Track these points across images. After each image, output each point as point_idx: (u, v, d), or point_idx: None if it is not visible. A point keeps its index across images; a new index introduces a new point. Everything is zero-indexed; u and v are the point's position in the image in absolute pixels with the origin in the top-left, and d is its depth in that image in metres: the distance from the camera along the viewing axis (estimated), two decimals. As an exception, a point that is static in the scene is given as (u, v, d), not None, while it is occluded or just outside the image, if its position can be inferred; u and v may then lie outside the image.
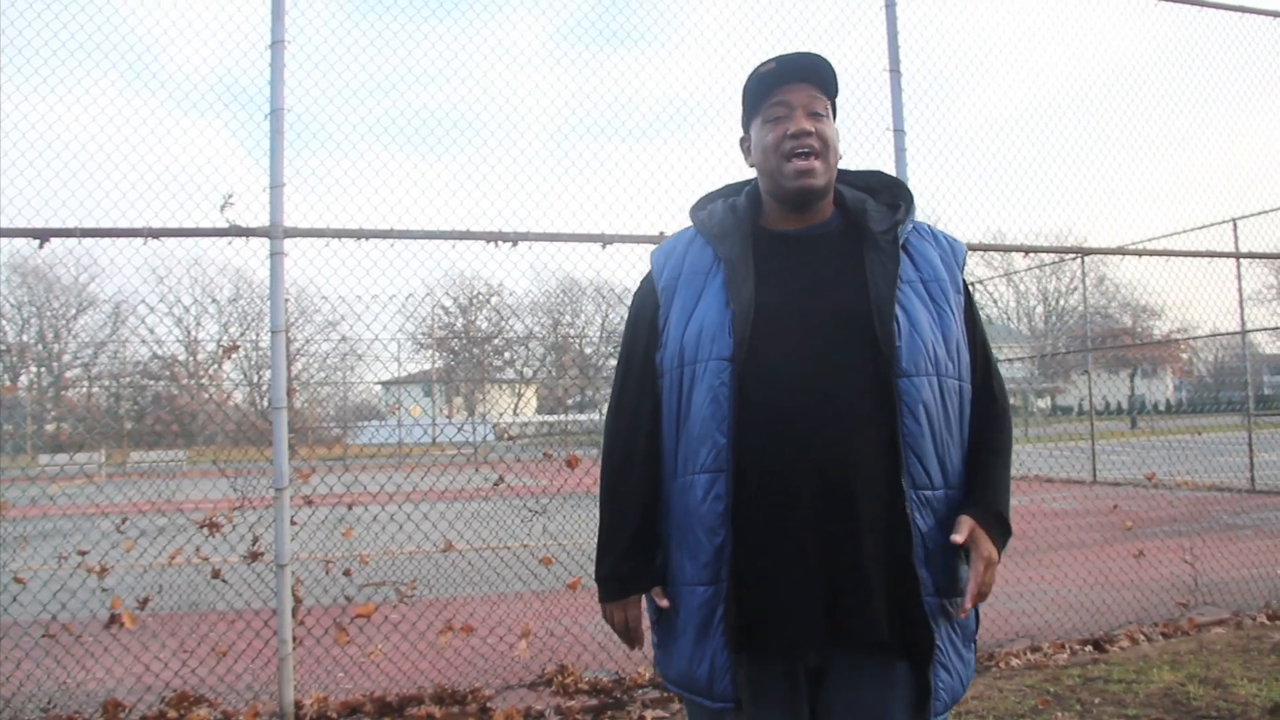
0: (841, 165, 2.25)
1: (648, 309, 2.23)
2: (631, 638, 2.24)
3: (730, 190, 2.38)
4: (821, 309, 2.04)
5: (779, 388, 2.00)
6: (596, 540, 2.26)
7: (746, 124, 2.26)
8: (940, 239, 2.20)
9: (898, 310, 2.02)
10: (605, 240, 5.24)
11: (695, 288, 2.14)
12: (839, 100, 2.25)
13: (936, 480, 2.01)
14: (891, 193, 2.26)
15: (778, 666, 2.05)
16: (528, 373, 42.84)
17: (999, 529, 2.03)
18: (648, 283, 2.26)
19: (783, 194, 2.16)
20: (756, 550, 2.00)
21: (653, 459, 2.17)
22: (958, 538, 1.97)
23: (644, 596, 2.24)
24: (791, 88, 2.14)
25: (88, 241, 4.69)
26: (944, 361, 2.04)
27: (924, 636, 1.97)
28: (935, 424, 2.01)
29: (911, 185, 3.95)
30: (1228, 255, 8.55)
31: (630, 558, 2.18)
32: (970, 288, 2.24)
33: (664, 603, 2.14)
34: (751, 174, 2.30)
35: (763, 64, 2.18)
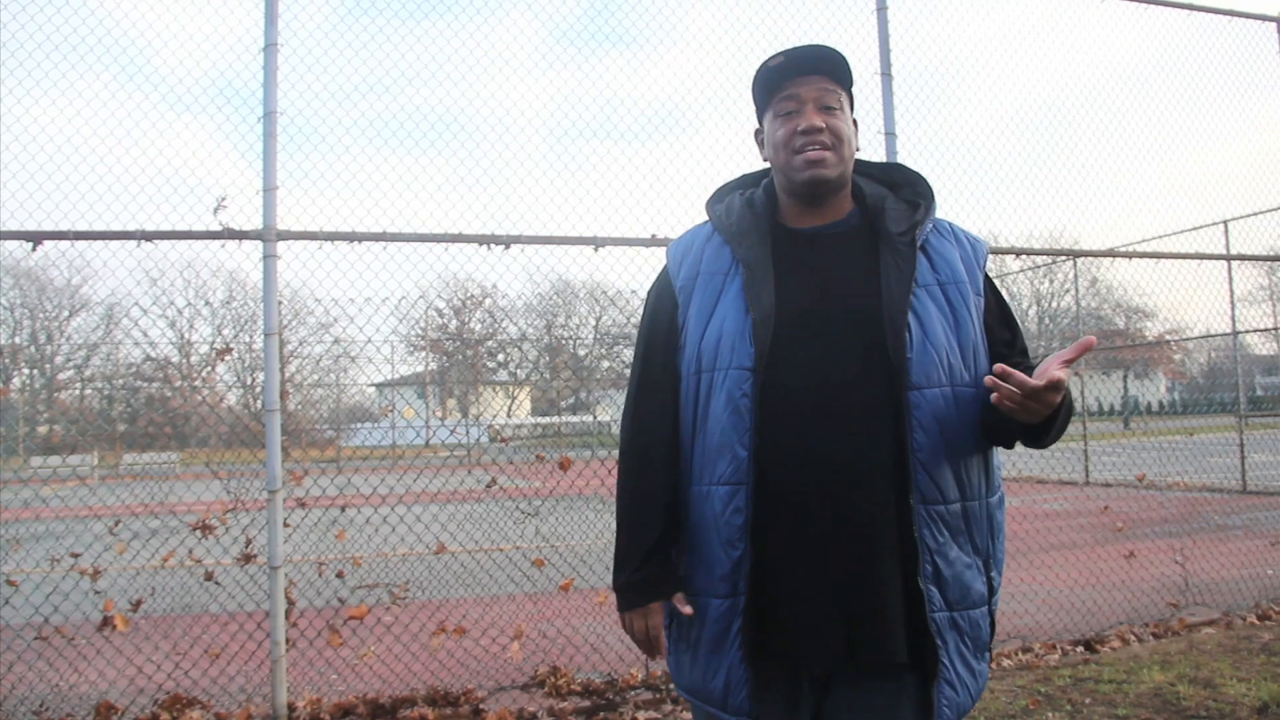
0: None
1: (665, 306, 2.18)
2: (653, 647, 2.15)
3: (748, 181, 2.32)
4: (836, 315, 2.00)
5: (794, 399, 1.96)
6: (615, 546, 2.19)
7: (760, 117, 2.20)
8: (962, 238, 2.14)
9: (910, 318, 1.97)
10: (597, 243, 5.25)
11: (713, 290, 2.09)
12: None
13: (950, 494, 1.96)
14: (913, 188, 2.19)
15: (784, 677, 2.02)
16: (521, 375, 42.83)
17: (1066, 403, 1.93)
18: (665, 279, 2.21)
19: (795, 188, 2.11)
20: (772, 565, 1.97)
21: (673, 460, 2.11)
22: (1070, 353, 1.84)
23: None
24: (801, 80, 2.09)
25: (81, 244, 4.69)
26: (959, 370, 1.99)
27: (931, 653, 1.94)
28: (948, 436, 1.96)
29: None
30: (1218, 257, 8.57)
31: (651, 564, 2.10)
32: (991, 280, 2.17)
33: (687, 610, 2.06)
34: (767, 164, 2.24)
35: (771, 57, 2.12)
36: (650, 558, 2.10)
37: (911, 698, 1.97)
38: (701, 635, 2.05)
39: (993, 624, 2.08)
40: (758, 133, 2.23)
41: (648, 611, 2.13)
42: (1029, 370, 2.03)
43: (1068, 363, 1.82)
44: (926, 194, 2.17)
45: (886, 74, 5.60)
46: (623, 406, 2.23)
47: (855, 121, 2.19)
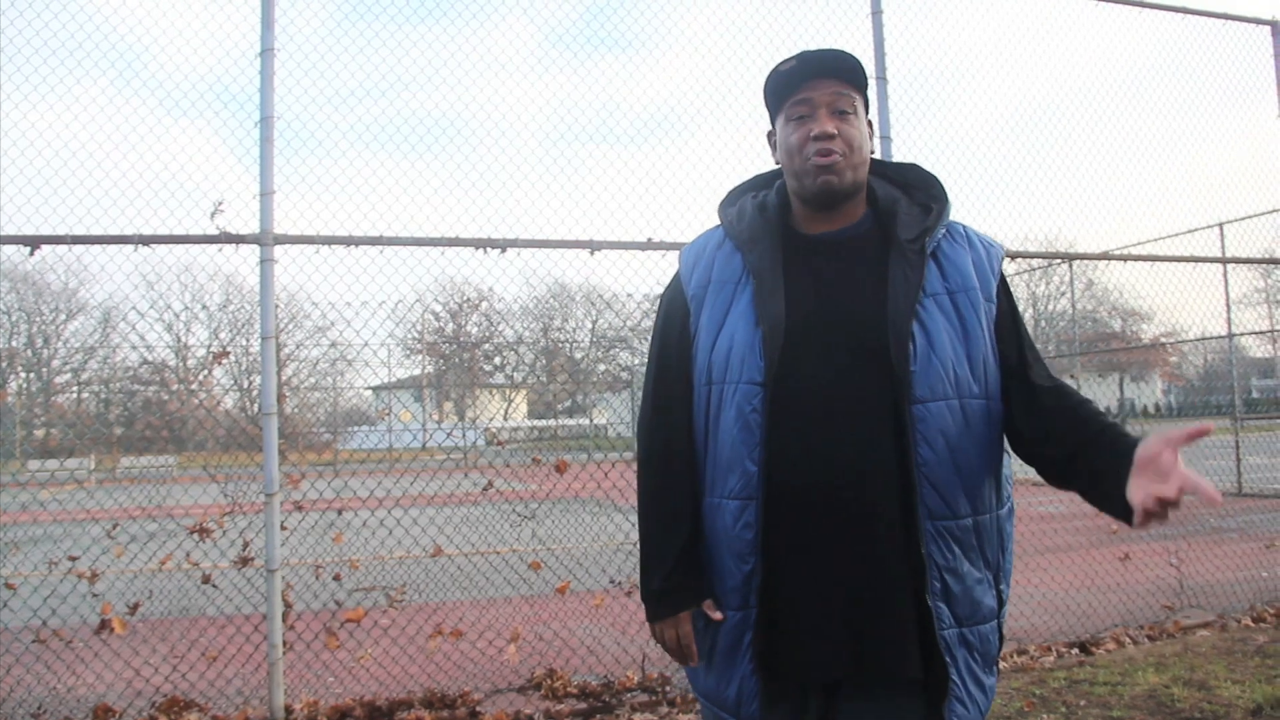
0: None
1: (677, 312, 2.16)
2: (686, 654, 2.12)
3: (761, 183, 2.29)
4: (843, 326, 1.98)
5: (802, 413, 1.94)
6: (640, 554, 2.16)
7: (773, 120, 2.16)
8: (975, 242, 2.10)
9: (916, 329, 1.93)
10: (594, 246, 5.26)
11: (724, 299, 2.07)
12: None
13: (961, 509, 1.93)
14: (927, 191, 2.15)
15: (793, 688, 2.02)
16: (518, 378, 42.82)
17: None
18: (677, 285, 2.19)
19: (805, 194, 2.08)
20: (782, 579, 1.96)
21: (693, 464, 2.09)
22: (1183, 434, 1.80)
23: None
24: (815, 84, 2.04)
25: (78, 248, 4.69)
26: (966, 382, 1.95)
27: (940, 670, 1.92)
28: (956, 450, 1.93)
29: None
30: (1214, 260, 8.58)
31: (679, 572, 2.07)
32: (1007, 284, 2.11)
33: (718, 615, 2.04)
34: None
35: (784, 60, 2.08)
36: (678, 563, 2.08)
37: (918, 714, 1.95)
38: (715, 645, 2.05)
39: (1001, 637, 2.06)
40: (770, 134, 2.20)
41: (678, 620, 2.10)
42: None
43: (1177, 447, 1.77)
44: (940, 197, 2.13)
45: (882, 78, 5.63)
46: (638, 412, 2.21)
47: (871, 124, 2.15)
